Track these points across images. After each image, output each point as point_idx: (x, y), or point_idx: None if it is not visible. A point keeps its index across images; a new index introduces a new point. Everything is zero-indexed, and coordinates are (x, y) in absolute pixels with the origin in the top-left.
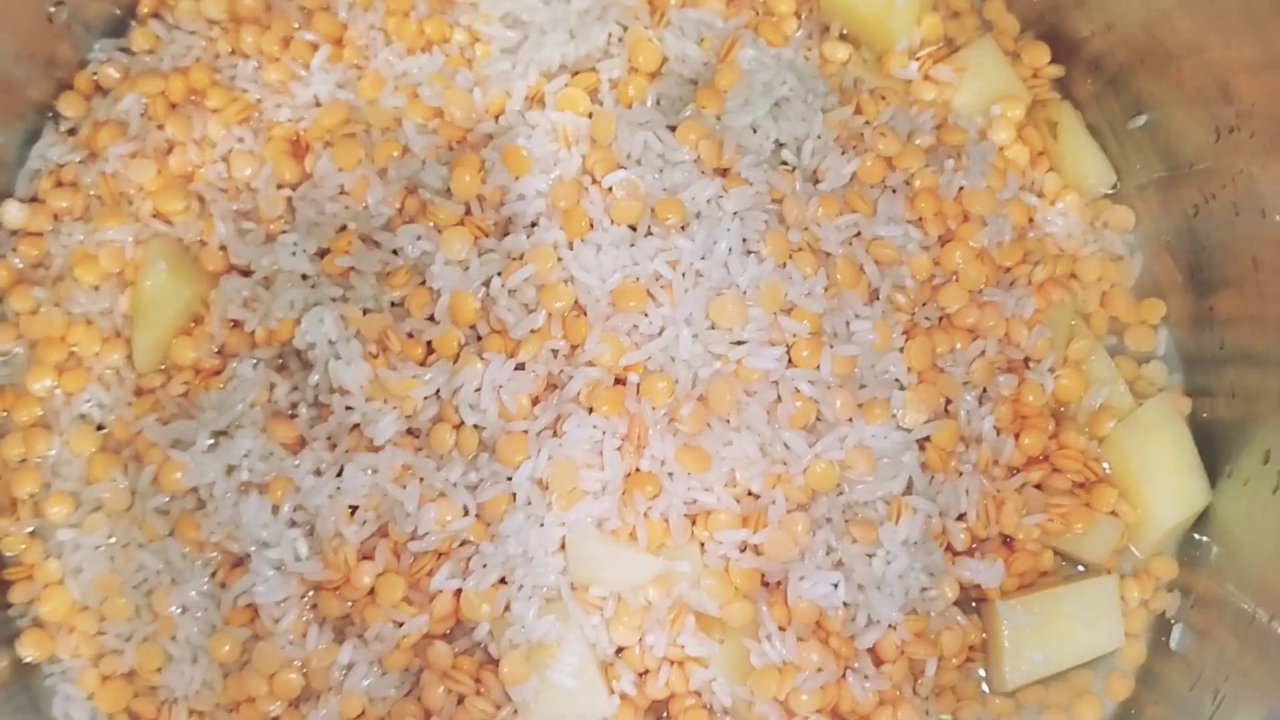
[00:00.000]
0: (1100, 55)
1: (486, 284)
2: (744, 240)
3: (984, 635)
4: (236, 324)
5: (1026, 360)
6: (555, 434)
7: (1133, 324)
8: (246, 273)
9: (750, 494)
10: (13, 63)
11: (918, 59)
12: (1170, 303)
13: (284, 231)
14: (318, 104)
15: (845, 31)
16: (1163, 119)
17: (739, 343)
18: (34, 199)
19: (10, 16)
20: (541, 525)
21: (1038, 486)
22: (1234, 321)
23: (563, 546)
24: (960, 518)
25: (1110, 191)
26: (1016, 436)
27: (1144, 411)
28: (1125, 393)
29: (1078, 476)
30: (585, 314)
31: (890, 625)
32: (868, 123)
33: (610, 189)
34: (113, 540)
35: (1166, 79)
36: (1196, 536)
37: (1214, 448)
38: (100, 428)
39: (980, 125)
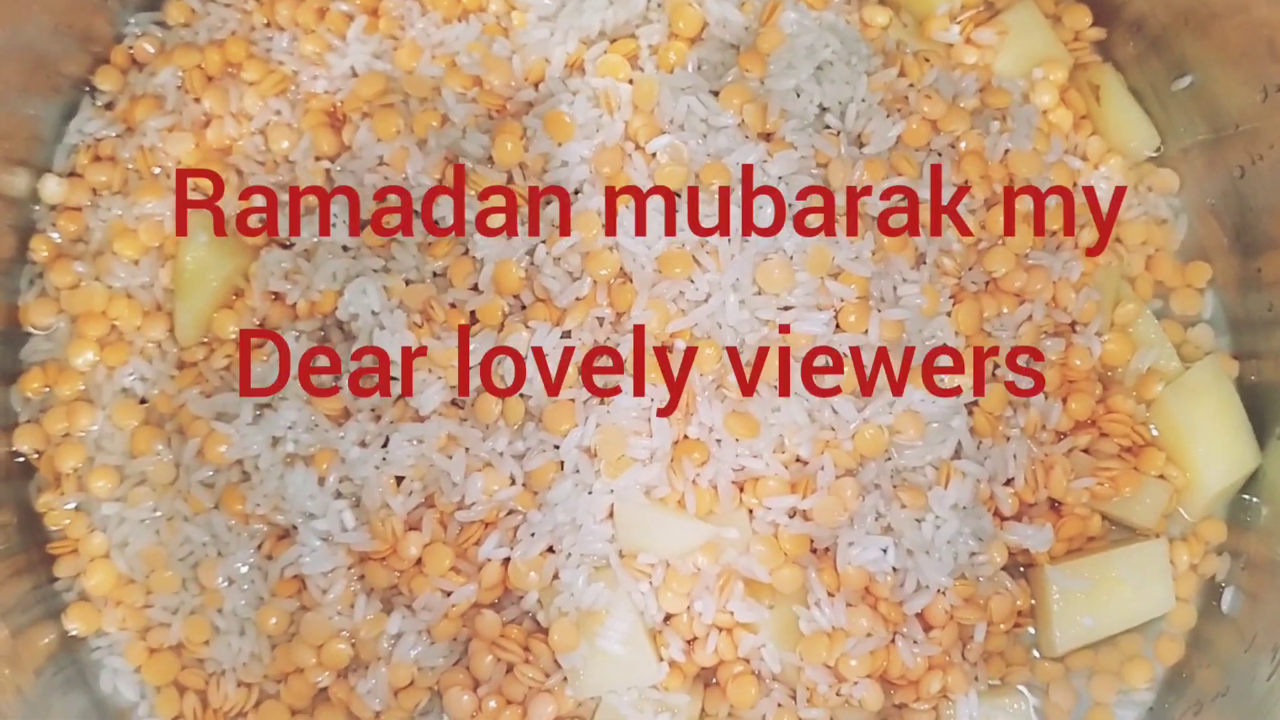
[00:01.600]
0: (1142, 17)
1: (530, 253)
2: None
3: (1033, 600)
4: (278, 296)
5: (1073, 324)
6: (602, 402)
7: (1178, 287)
8: (286, 245)
9: (799, 460)
10: (49, 37)
11: (958, 22)
12: (1216, 265)
13: None
14: (354, 75)
15: None
16: (1207, 80)
17: (786, 308)
18: (72, 174)
19: None
20: (590, 493)
21: (1085, 451)
22: None
23: (611, 514)
24: (1008, 483)
25: (1154, 155)
26: (1064, 401)
27: (1192, 375)
28: (1172, 356)
29: (1125, 440)
30: (631, 281)
31: (939, 590)
32: (911, 85)
33: (654, 154)
34: (158, 514)
35: (1211, 39)
36: (1246, 499)
37: (1262, 410)
38: (143, 401)
39: (1023, 89)
